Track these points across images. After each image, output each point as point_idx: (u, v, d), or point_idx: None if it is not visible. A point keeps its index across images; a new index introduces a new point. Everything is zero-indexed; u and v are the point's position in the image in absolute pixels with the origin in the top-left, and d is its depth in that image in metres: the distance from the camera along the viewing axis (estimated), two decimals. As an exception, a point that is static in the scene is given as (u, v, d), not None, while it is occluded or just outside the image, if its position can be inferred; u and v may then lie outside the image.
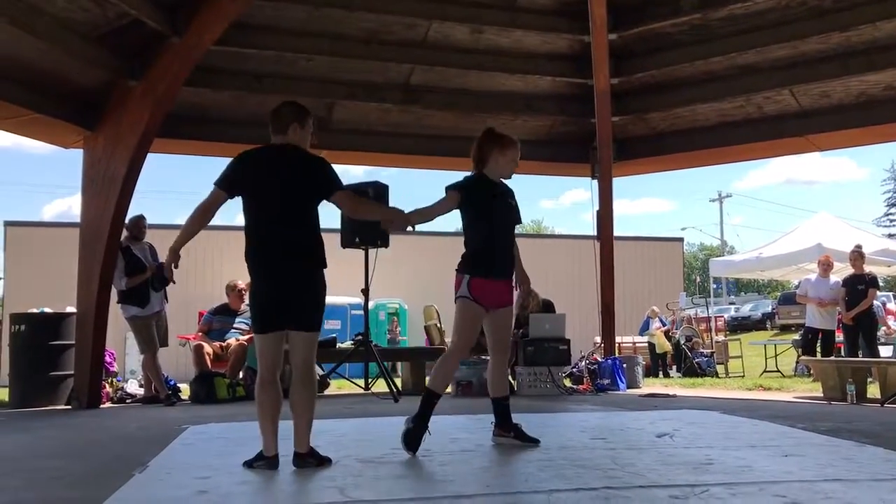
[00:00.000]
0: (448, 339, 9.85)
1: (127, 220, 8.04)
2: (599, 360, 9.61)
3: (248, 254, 3.66)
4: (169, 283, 8.11)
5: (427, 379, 4.22)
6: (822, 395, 7.71)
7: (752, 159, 13.10)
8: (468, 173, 4.33)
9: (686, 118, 10.24)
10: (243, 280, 9.56)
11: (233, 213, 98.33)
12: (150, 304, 7.98)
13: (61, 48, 7.21)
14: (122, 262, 7.85)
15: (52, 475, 3.61)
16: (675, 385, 10.44)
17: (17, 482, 3.40)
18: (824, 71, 8.96)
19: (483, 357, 7.29)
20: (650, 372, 13.90)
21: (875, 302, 9.99)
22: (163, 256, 8.21)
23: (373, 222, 7.92)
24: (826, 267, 10.19)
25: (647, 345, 15.48)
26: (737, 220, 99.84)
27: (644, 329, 15.73)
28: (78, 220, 8.27)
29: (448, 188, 4.14)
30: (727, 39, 9.20)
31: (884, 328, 13.01)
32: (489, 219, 4.15)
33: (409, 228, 4.24)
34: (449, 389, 9.18)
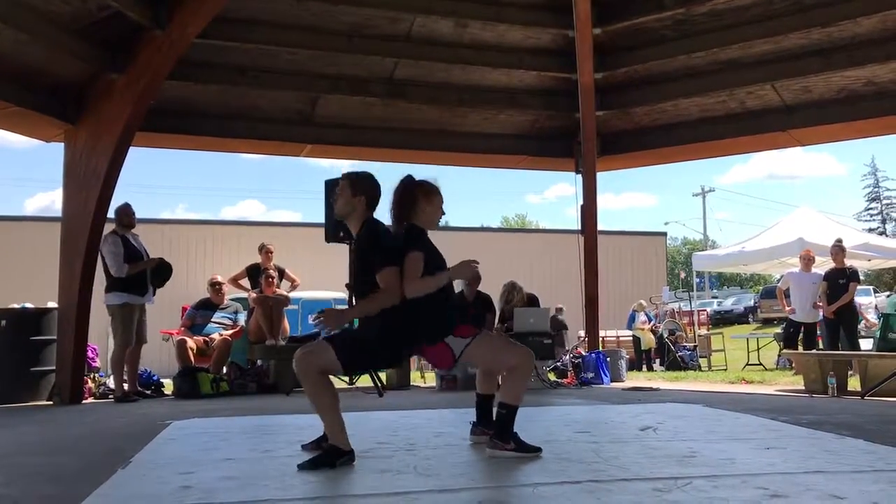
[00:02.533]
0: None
1: (113, 211, 7.97)
2: (583, 353, 9.66)
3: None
4: (168, 280, 8.08)
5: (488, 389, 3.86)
6: (803, 388, 7.77)
7: (734, 154, 13.20)
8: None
9: (669, 113, 10.31)
10: (223, 275, 9.56)
11: (216, 208, 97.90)
12: (147, 294, 7.91)
13: (42, 40, 7.15)
14: (122, 248, 7.73)
15: (35, 471, 3.58)
16: (658, 379, 10.50)
17: (-2, 478, 3.38)
18: (806, 66, 9.05)
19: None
20: (634, 365, 13.99)
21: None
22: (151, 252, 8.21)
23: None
24: (807, 261, 10.27)
25: (631, 338, 15.59)
26: (719, 214, 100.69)
27: (631, 322, 15.83)
28: (60, 214, 8.21)
29: (411, 249, 3.60)
30: (710, 35, 9.28)
31: (864, 321, 13.14)
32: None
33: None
34: (433, 383, 9.23)
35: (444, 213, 3.85)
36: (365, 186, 3.70)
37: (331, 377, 3.54)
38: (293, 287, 9.48)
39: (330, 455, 3.43)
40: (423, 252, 3.64)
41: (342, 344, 3.52)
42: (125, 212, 8.01)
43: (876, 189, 53.05)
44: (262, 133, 9.81)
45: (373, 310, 3.52)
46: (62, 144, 8.27)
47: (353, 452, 3.48)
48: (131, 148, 7.94)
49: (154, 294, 8.06)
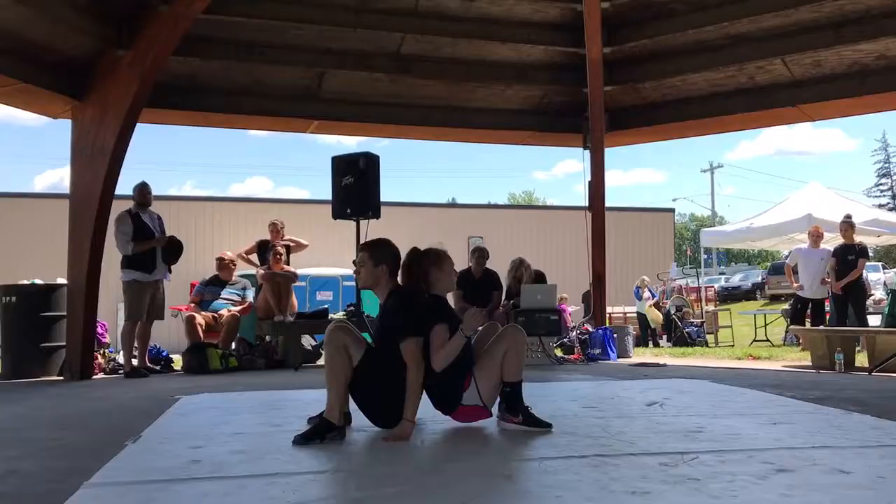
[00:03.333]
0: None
1: (131, 189, 8.06)
2: (590, 330, 9.66)
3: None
4: (179, 257, 8.14)
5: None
6: (810, 363, 7.78)
7: (743, 129, 13.09)
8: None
9: (678, 88, 10.22)
10: (232, 251, 9.60)
11: (225, 184, 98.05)
12: (156, 271, 7.95)
13: (48, 16, 7.12)
14: (131, 226, 7.80)
15: (47, 445, 3.62)
16: (665, 355, 10.52)
17: (12, 452, 3.41)
18: (817, 40, 8.94)
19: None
20: (640, 342, 14.01)
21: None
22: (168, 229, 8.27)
23: (364, 193, 7.94)
24: (816, 238, 10.23)
25: (636, 315, 15.58)
26: (728, 190, 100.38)
27: (637, 298, 15.80)
28: (68, 191, 8.23)
29: (437, 321, 3.62)
30: (720, 8, 9.16)
31: (872, 297, 13.11)
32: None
33: None
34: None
35: (456, 275, 3.88)
36: (385, 255, 3.76)
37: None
38: (299, 248, 9.53)
39: (320, 428, 3.47)
40: (448, 323, 3.64)
41: (368, 363, 3.56)
42: (141, 190, 8.07)
43: (886, 165, 52.80)
44: (269, 109, 9.77)
45: (419, 391, 3.56)
46: (69, 121, 8.27)
47: (343, 429, 3.52)
48: (139, 124, 7.95)
49: (169, 272, 8.12)
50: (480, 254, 8.97)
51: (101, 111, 7.83)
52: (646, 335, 14.91)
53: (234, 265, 9.36)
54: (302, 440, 3.41)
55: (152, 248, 7.91)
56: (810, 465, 2.80)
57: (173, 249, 8.10)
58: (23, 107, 8.52)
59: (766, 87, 9.70)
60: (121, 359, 8.19)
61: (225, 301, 8.97)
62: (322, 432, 3.45)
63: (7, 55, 7.26)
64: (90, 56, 7.88)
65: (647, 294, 15.63)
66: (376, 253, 3.76)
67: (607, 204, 10.53)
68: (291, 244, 9.45)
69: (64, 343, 7.89)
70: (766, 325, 14.48)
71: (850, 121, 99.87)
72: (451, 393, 3.68)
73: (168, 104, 9.01)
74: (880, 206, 43.07)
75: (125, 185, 8.14)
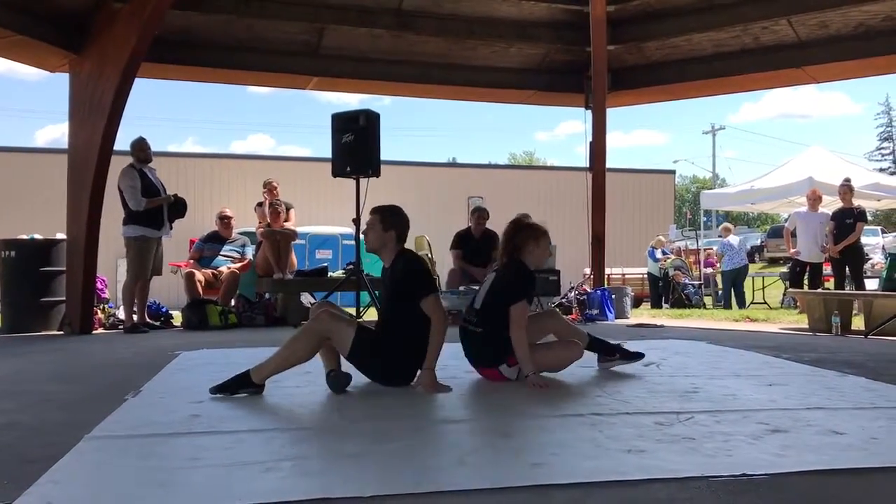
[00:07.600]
0: (437, 270, 9.89)
1: (129, 145, 7.97)
2: (589, 290, 9.68)
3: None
4: (184, 216, 8.12)
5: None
6: (807, 326, 7.81)
7: (747, 91, 13.00)
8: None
9: (682, 48, 10.11)
10: (231, 209, 9.57)
11: (226, 141, 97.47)
12: (164, 228, 7.94)
13: (44, -33, 7.01)
14: (139, 181, 7.74)
15: (46, 399, 3.65)
16: (662, 316, 10.55)
17: (11, 405, 3.44)
18: (823, 0, 8.81)
19: (472, 287, 7.33)
20: (653, 303, 14.00)
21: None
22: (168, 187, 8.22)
23: (364, 151, 7.89)
24: (814, 201, 10.20)
25: (646, 276, 15.46)
26: (729, 153, 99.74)
27: (652, 258, 15.68)
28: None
29: (521, 297, 3.93)
30: (726, -33, 9.03)
31: (870, 261, 13.11)
32: None
33: None
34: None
35: (550, 255, 4.06)
36: (395, 222, 3.85)
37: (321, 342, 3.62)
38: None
39: (239, 381, 3.55)
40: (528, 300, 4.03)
41: (363, 343, 3.64)
42: (140, 146, 7.97)
43: (888, 129, 52.46)
44: (268, 65, 9.67)
45: (442, 340, 3.70)
46: (68, 75, 8.19)
47: (261, 388, 3.56)
48: (140, 80, 7.88)
49: (171, 228, 8.10)
50: (480, 214, 8.95)
51: (100, 65, 7.74)
52: (656, 294, 14.76)
53: (234, 222, 9.35)
54: (216, 390, 3.51)
55: (160, 205, 7.88)
56: (804, 426, 2.82)
57: (179, 208, 8.07)
58: (19, 59, 8.42)
59: (770, 47, 9.59)
60: (120, 314, 8.21)
61: (224, 258, 8.98)
62: (237, 386, 3.53)
63: (2, 6, 7.16)
64: (88, 8, 7.78)
65: (660, 255, 15.52)
66: (387, 219, 3.84)
67: (608, 165, 10.48)
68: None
69: (64, 298, 7.92)
70: (763, 287, 14.51)
71: (855, 84, 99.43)
72: (498, 355, 3.91)
73: (167, 59, 8.91)
74: (881, 170, 42.90)
75: (124, 140, 8.09)
